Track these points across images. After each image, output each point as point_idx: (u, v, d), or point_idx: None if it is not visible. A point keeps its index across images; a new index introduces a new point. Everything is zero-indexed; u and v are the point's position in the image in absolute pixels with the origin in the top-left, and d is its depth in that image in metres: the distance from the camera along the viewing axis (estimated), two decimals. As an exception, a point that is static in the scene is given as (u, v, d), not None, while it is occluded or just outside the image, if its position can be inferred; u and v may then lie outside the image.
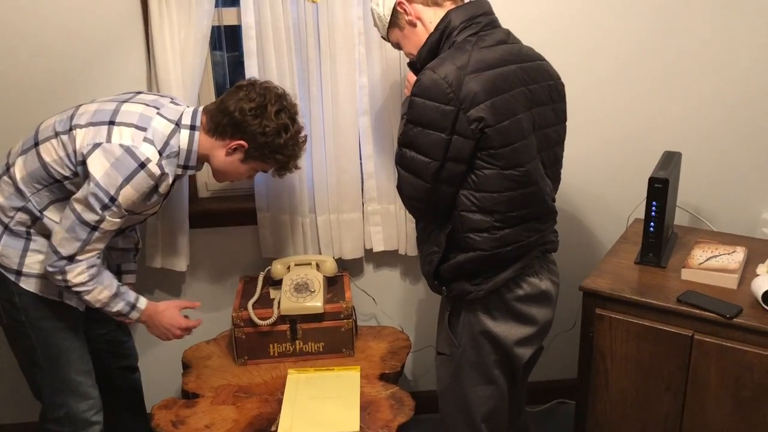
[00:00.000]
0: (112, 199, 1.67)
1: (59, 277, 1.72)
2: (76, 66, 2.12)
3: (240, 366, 2.16)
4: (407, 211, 1.88)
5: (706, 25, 2.27)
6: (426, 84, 1.54)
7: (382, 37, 1.81)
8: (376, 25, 1.79)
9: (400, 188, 1.67)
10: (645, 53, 2.30)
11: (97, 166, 1.66)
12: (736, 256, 1.94)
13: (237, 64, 2.35)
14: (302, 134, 1.87)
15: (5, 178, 1.78)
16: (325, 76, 2.16)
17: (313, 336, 2.16)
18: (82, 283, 1.73)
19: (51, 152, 1.73)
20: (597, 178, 2.43)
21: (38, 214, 1.77)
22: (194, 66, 2.08)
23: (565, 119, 1.76)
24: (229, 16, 2.20)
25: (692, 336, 1.76)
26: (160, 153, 1.73)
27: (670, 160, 2.02)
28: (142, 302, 1.87)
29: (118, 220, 1.72)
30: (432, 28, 1.66)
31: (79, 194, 1.69)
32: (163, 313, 1.91)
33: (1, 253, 1.77)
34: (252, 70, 2.13)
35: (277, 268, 2.25)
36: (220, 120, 1.78)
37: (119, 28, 2.10)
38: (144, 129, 1.71)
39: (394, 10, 1.70)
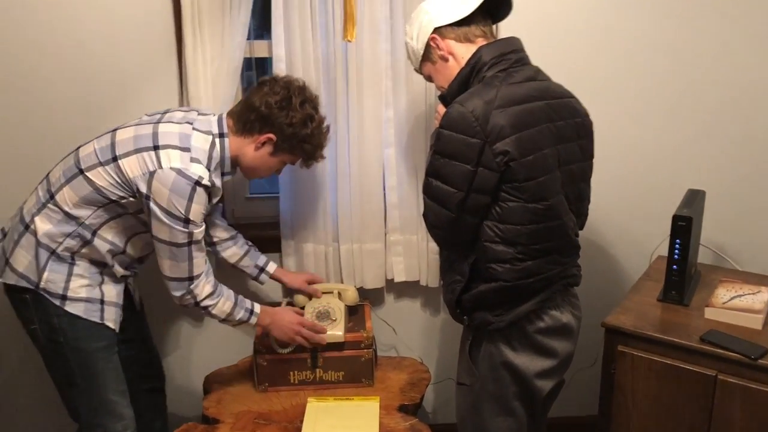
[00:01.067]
0: (186, 219, 1.76)
1: (189, 298, 1.85)
2: (109, 94, 2.18)
3: (260, 393, 2.17)
4: (431, 240, 1.89)
5: (734, 63, 2.29)
6: (454, 117, 1.57)
7: (414, 69, 1.84)
8: (409, 57, 1.82)
9: (426, 216, 1.70)
10: (671, 89, 2.31)
11: (159, 195, 1.73)
12: (761, 296, 1.93)
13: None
14: (325, 124, 1.94)
15: (50, 206, 1.81)
16: (352, 109, 2.20)
17: (334, 365, 2.17)
18: (210, 294, 1.87)
19: (101, 178, 1.78)
20: (620, 214, 2.43)
21: (90, 237, 1.81)
22: (225, 96, 2.12)
23: (591, 156, 1.78)
24: (260, 49, 2.26)
25: (716, 376, 1.75)
26: (208, 168, 1.79)
27: (694, 198, 2.03)
28: (257, 306, 2.00)
29: (202, 227, 1.81)
30: (464, 63, 1.69)
31: (156, 228, 1.77)
32: (281, 313, 2.05)
33: (47, 279, 1.81)
34: (281, 101, 2.18)
35: (300, 295, 2.27)
36: (248, 117, 1.84)
37: (153, 59, 2.16)
38: (187, 149, 1.77)
39: (428, 44, 1.72)
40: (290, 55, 2.13)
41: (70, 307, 1.83)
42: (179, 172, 1.73)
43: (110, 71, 2.16)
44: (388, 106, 2.24)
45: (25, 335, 1.90)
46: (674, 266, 1.95)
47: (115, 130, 1.85)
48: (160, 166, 1.74)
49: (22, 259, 1.83)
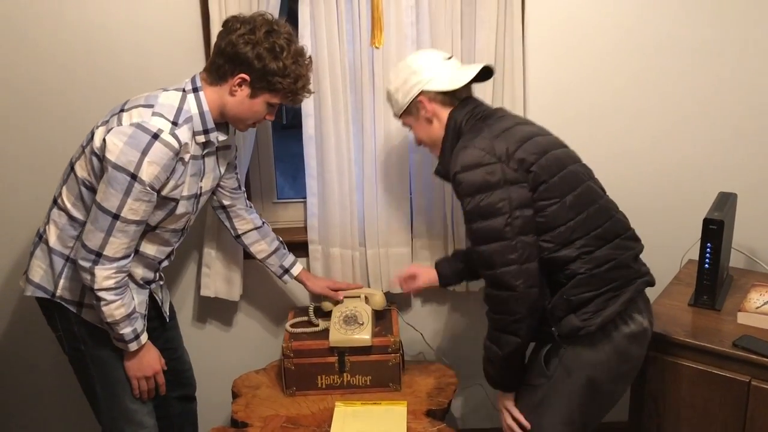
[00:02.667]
0: (134, 176, 1.64)
1: (87, 276, 1.71)
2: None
3: (288, 397, 2.18)
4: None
5: (765, 67, 2.26)
6: (463, 159, 1.66)
7: (393, 114, 1.92)
8: (389, 101, 1.88)
9: (492, 272, 1.64)
10: (702, 90, 2.29)
11: (111, 148, 1.64)
12: (795, 301, 1.90)
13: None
14: (306, 56, 1.79)
15: (55, 210, 1.81)
16: (378, 114, 2.20)
17: (361, 369, 2.17)
18: (107, 289, 1.72)
19: (83, 166, 1.75)
20: (650, 217, 2.40)
21: None
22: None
23: (579, 159, 1.81)
24: (287, 55, 2.27)
25: (749, 382, 1.72)
26: (175, 123, 1.71)
27: (726, 201, 2.00)
28: (145, 337, 1.86)
29: (142, 204, 1.69)
30: (444, 124, 1.80)
31: (99, 188, 1.69)
32: (151, 352, 1.90)
33: (63, 286, 1.81)
34: (308, 106, 2.20)
35: (327, 302, 2.28)
36: (217, 62, 1.74)
37: (180, 65, 2.18)
38: (151, 106, 1.71)
39: (414, 101, 1.80)
40: (317, 60, 2.15)
41: (87, 315, 1.83)
42: (138, 125, 1.66)
43: (138, 77, 2.19)
44: (414, 111, 2.24)
45: (55, 341, 1.93)
46: (705, 270, 1.92)
47: None
48: (120, 124, 1.68)
49: (38, 269, 1.83)
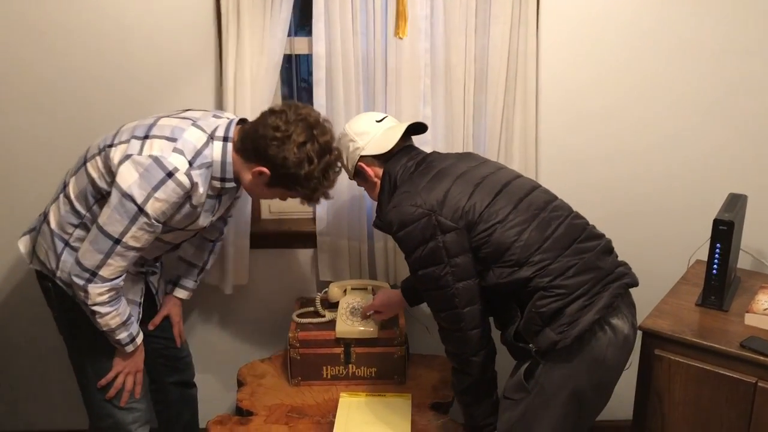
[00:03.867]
0: (140, 209, 1.66)
1: (81, 293, 1.73)
2: (145, 90, 2.20)
3: (293, 386, 2.19)
4: (470, 341, 1.78)
5: (777, 67, 2.25)
6: (396, 218, 1.73)
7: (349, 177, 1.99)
8: (342, 165, 1.93)
9: (437, 315, 1.78)
10: (714, 91, 2.28)
11: (125, 176, 1.66)
12: (803, 304, 1.89)
13: (307, 90, 2.41)
14: (336, 168, 1.81)
15: (62, 197, 1.83)
16: (390, 106, 2.20)
17: (366, 360, 2.18)
18: (101, 304, 1.74)
19: (96, 168, 1.76)
20: (660, 216, 2.40)
21: None
22: (264, 93, 2.14)
23: (520, 174, 1.87)
24: (300, 45, 2.27)
25: (756, 383, 1.72)
26: (191, 163, 1.70)
27: (736, 202, 1.99)
28: (140, 338, 1.90)
29: (145, 234, 1.70)
30: None
31: (106, 205, 1.69)
32: (141, 352, 1.93)
33: (62, 269, 1.81)
34: (320, 98, 2.19)
35: (334, 290, 2.28)
36: (247, 143, 1.76)
37: (192, 57, 2.18)
38: (174, 140, 1.70)
39: (357, 167, 1.90)
40: (330, 52, 2.14)
41: None
42: (156, 159, 1.66)
43: (146, 65, 2.18)
44: (426, 104, 2.23)
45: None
46: (714, 271, 1.92)
47: (125, 123, 1.83)
48: (140, 153, 1.67)
49: (42, 248, 1.86)
